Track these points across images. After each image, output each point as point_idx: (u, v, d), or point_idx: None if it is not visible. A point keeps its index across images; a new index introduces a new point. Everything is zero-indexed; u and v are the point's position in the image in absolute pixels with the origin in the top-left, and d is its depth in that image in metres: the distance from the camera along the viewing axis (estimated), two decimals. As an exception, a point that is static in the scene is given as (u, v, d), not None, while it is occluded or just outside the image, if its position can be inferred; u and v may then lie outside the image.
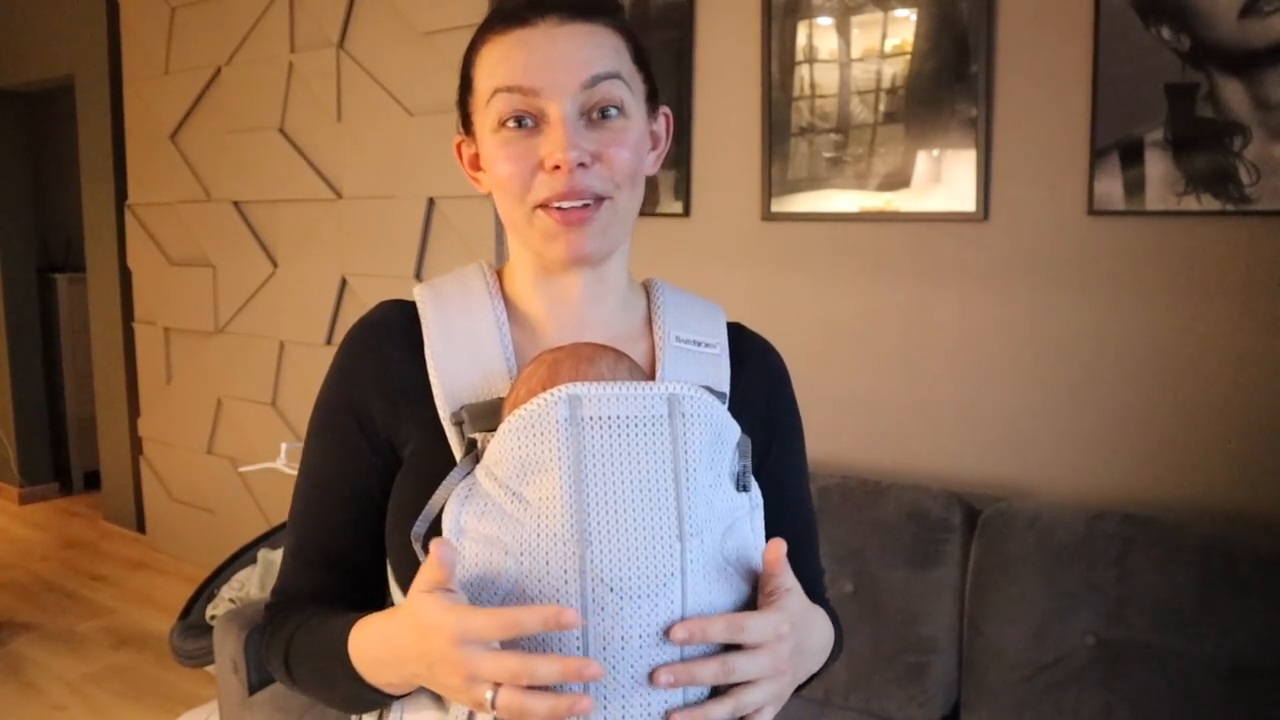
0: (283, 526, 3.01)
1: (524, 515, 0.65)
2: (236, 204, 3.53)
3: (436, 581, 0.62)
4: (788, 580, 0.68)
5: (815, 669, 0.80)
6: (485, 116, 0.75)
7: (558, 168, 0.72)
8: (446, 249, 2.92)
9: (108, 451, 4.33)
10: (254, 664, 2.03)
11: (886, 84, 2.10)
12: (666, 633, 0.62)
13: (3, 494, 4.78)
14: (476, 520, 0.66)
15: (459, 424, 0.73)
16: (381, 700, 0.72)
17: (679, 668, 0.62)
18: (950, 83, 2.02)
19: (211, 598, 2.75)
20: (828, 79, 2.17)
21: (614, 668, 0.62)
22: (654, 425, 0.66)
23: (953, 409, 2.09)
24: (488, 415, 0.72)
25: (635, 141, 0.76)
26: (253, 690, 2.03)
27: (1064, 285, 1.95)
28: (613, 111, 0.74)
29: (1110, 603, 1.69)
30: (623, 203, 0.76)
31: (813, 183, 2.22)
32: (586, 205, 0.74)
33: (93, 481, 4.74)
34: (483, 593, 0.65)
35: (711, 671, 0.62)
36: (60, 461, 4.85)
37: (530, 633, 0.59)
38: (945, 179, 2.05)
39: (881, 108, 2.11)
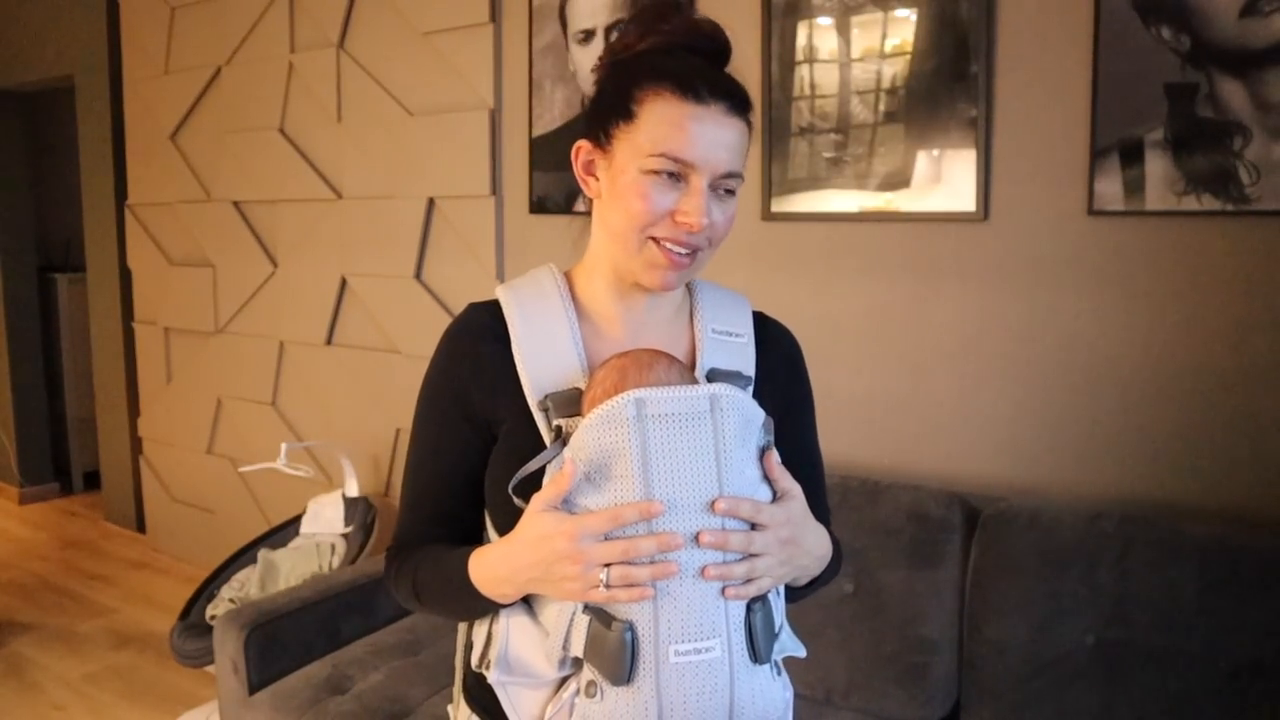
0: (282, 527, 3.01)
1: (604, 487, 0.84)
2: (236, 204, 3.53)
3: (557, 496, 0.84)
4: (791, 486, 0.89)
5: (815, 571, 0.98)
6: (638, 157, 0.91)
7: (689, 225, 0.91)
8: (446, 249, 2.92)
9: (108, 451, 4.33)
10: (254, 664, 2.04)
11: (886, 84, 2.10)
12: (711, 506, 0.83)
13: (3, 494, 4.78)
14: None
15: (544, 410, 0.91)
16: (493, 609, 0.92)
17: (717, 534, 0.83)
18: (950, 83, 2.02)
19: (211, 598, 2.75)
20: (828, 79, 2.17)
21: (675, 598, 0.83)
22: (699, 419, 0.85)
23: (953, 409, 2.09)
24: (568, 403, 0.90)
25: (733, 215, 0.96)
26: (253, 690, 2.03)
27: (1064, 285, 1.95)
28: (730, 193, 0.94)
29: (1110, 603, 1.69)
30: (707, 256, 0.96)
31: (813, 183, 2.22)
32: (689, 254, 0.93)
33: (93, 481, 4.74)
34: None
35: (738, 539, 0.84)
36: (60, 461, 4.85)
37: (629, 522, 0.81)
38: (945, 179, 2.05)
39: (881, 108, 2.11)
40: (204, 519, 3.81)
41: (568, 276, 1.02)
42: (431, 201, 2.93)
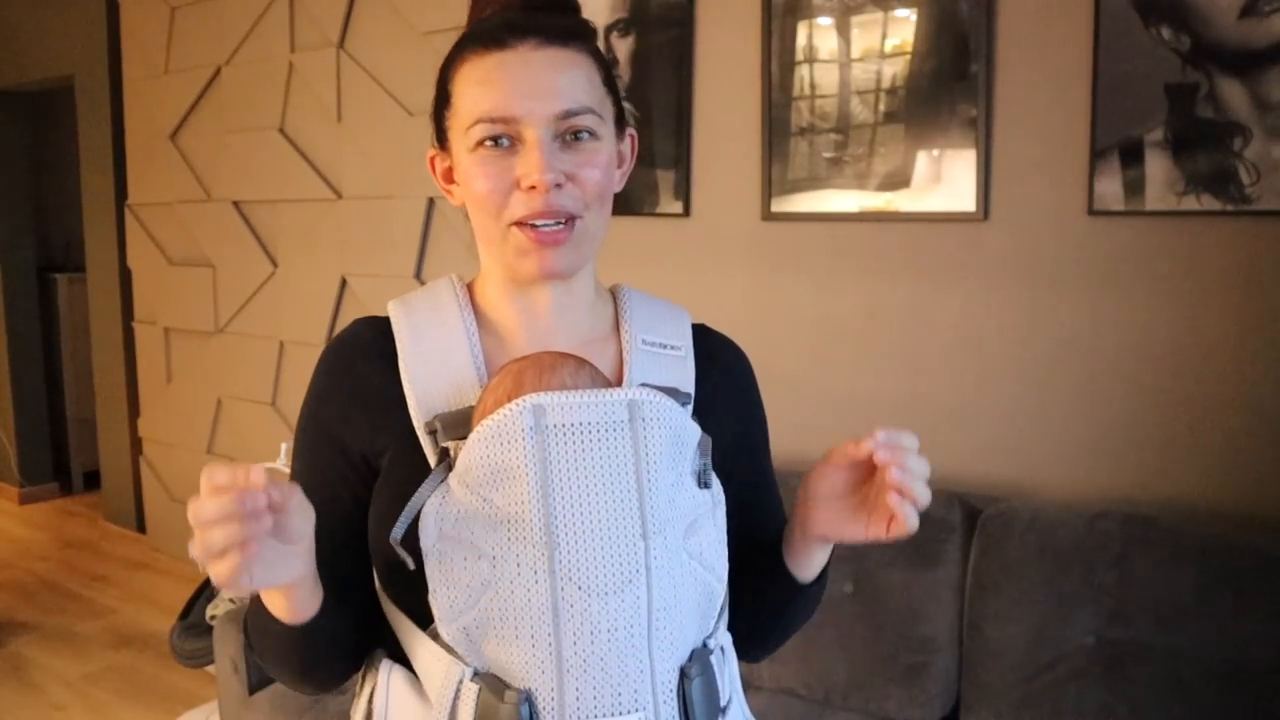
0: (283, 526, 3.01)
1: (495, 519, 0.69)
2: (236, 204, 3.53)
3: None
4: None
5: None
6: (464, 137, 0.78)
7: (534, 188, 0.75)
8: (446, 249, 2.92)
9: (108, 451, 4.33)
10: (254, 664, 2.04)
11: (886, 84, 2.10)
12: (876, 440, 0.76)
13: (3, 494, 4.78)
14: (451, 525, 0.70)
15: (433, 433, 0.76)
16: (298, 639, 0.74)
17: (898, 450, 0.76)
18: (950, 83, 2.02)
19: (211, 598, 2.75)
20: (828, 79, 2.17)
21: (585, 660, 0.67)
22: (615, 430, 0.70)
23: (953, 409, 2.09)
24: (460, 424, 0.74)
25: (605, 162, 0.79)
26: (253, 690, 2.03)
27: (1064, 285, 1.95)
28: (585, 135, 0.78)
29: (1110, 603, 1.69)
30: (592, 221, 0.79)
31: (813, 183, 2.22)
32: (560, 225, 0.77)
33: (93, 481, 4.74)
34: (460, 596, 0.69)
35: (918, 461, 0.77)
36: (60, 461, 4.85)
37: (227, 485, 0.60)
38: (945, 179, 2.05)
39: (881, 108, 2.11)
40: (204, 519, 3.80)
41: (470, 287, 0.88)
42: (431, 201, 2.93)
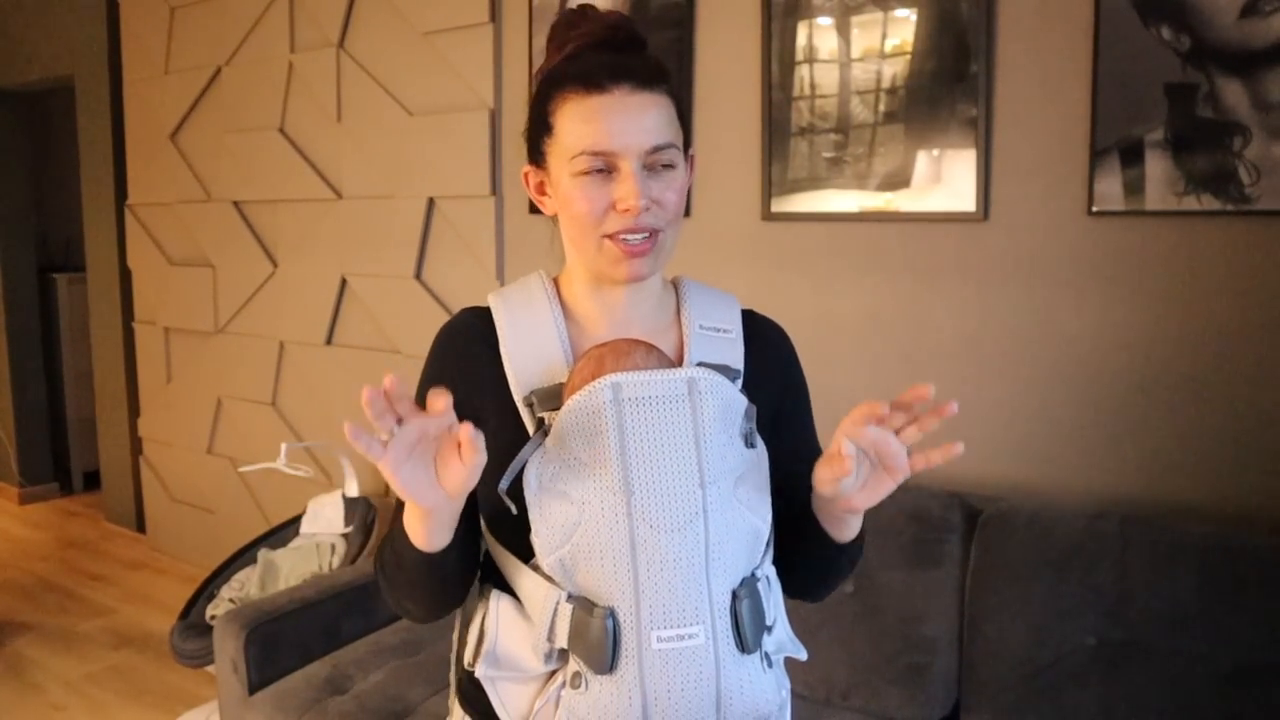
0: (282, 527, 3.02)
1: (583, 473, 0.84)
2: (236, 204, 3.53)
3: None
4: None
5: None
6: (566, 164, 0.93)
7: (628, 210, 0.91)
8: (446, 249, 2.92)
9: (108, 451, 4.33)
10: (254, 664, 2.04)
11: (886, 84, 2.10)
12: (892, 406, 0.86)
13: (3, 494, 4.78)
14: (550, 478, 0.86)
15: (530, 405, 0.92)
16: (438, 566, 0.89)
17: (900, 414, 0.85)
18: (950, 83, 2.02)
19: (211, 598, 2.75)
20: (828, 79, 2.17)
21: (656, 583, 0.82)
22: (677, 401, 0.86)
23: (953, 409, 2.09)
24: (552, 397, 0.90)
25: (681, 187, 0.95)
26: (253, 690, 2.03)
27: (1064, 285, 1.95)
28: (667, 165, 0.93)
29: (1110, 603, 1.69)
30: (669, 235, 0.95)
31: (813, 183, 2.22)
32: (646, 238, 0.93)
33: (93, 481, 4.74)
34: (556, 534, 0.85)
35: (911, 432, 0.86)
36: (60, 461, 4.85)
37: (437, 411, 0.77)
38: (945, 179, 2.05)
39: (881, 108, 2.11)
40: (204, 519, 3.81)
41: (556, 281, 1.04)
42: (431, 201, 2.93)
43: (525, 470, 0.87)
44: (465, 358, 0.99)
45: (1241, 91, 1.73)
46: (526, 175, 1.01)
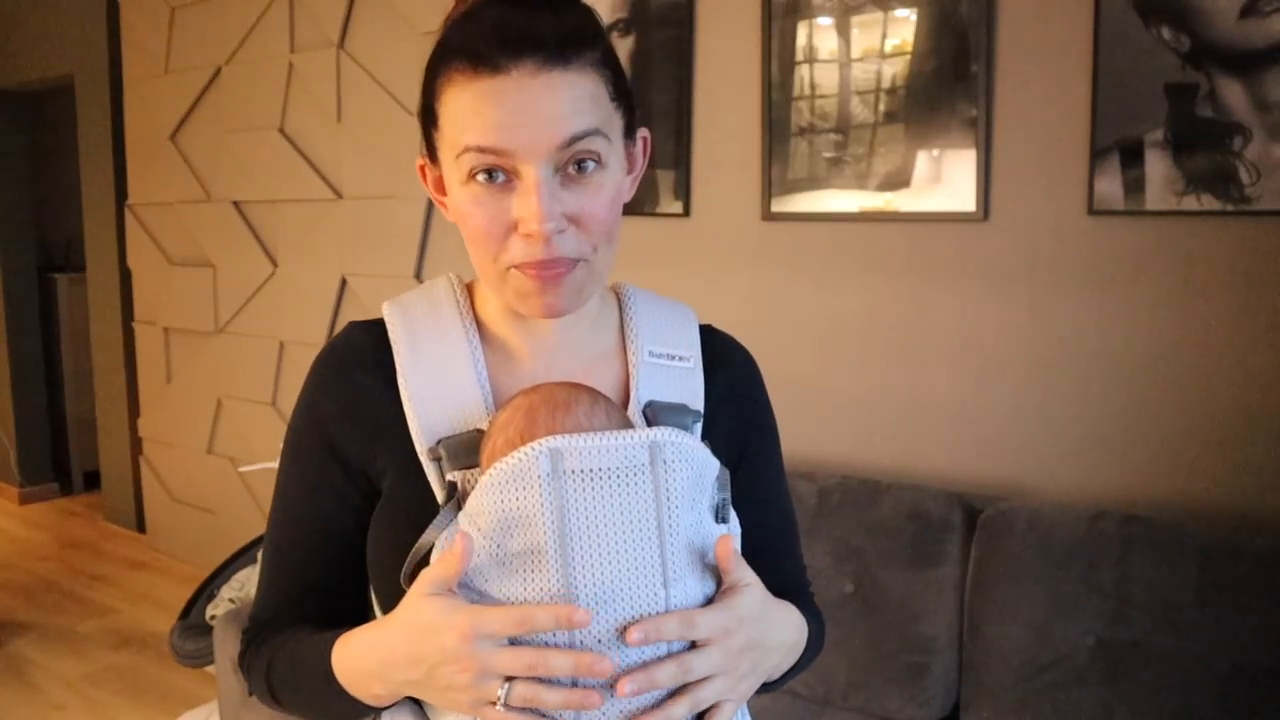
0: (283, 526, 3.01)
1: (509, 568, 0.65)
2: (236, 204, 3.53)
3: (448, 579, 0.63)
4: (743, 575, 0.68)
5: (786, 665, 0.78)
6: (454, 165, 0.71)
7: (530, 235, 0.69)
8: (446, 249, 2.92)
9: (108, 451, 4.33)
10: (254, 664, 2.03)
11: (886, 84, 2.10)
12: (622, 633, 0.63)
13: (3, 494, 4.78)
14: (464, 572, 0.66)
15: (436, 460, 0.72)
16: (365, 712, 0.73)
17: (639, 674, 0.62)
18: (950, 83, 2.02)
19: (211, 598, 2.75)
20: (828, 79, 2.17)
21: (609, 705, 0.64)
22: (636, 474, 0.65)
23: (953, 409, 2.09)
24: (465, 451, 0.71)
25: (612, 195, 0.72)
26: (252, 690, 2.03)
27: (1064, 285, 1.95)
28: (590, 165, 0.70)
29: (1110, 603, 1.69)
30: (599, 261, 0.73)
31: (813, 183, 2.22)
32: (564, 267, 0.71)
33: (93, 481, 4.74)
34: None
35: (668, 672, 0.63)
36: (60, 461, 4.85)
37: (542, 629, 0.61)
38: (945, 179, 2.05)
39: (881, 108, 2.11)
40: (204, 519, 3.81)
41: (470, 290, 0.82)
42: (431, 201, 2.92)
43: (432, 556, 0.68)
44: (351, 390, 0.77)
45: (1241, 91, 1.73)
46: (422, 169, 0.80)
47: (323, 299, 3.25)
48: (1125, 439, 1.90)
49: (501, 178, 0.69)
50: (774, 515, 0.87)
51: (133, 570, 3.83)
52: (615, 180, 0.72)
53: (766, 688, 0.80)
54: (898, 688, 1.84)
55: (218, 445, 3.74)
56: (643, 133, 0.79)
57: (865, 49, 2.12)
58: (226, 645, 2.05)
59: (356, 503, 0.77)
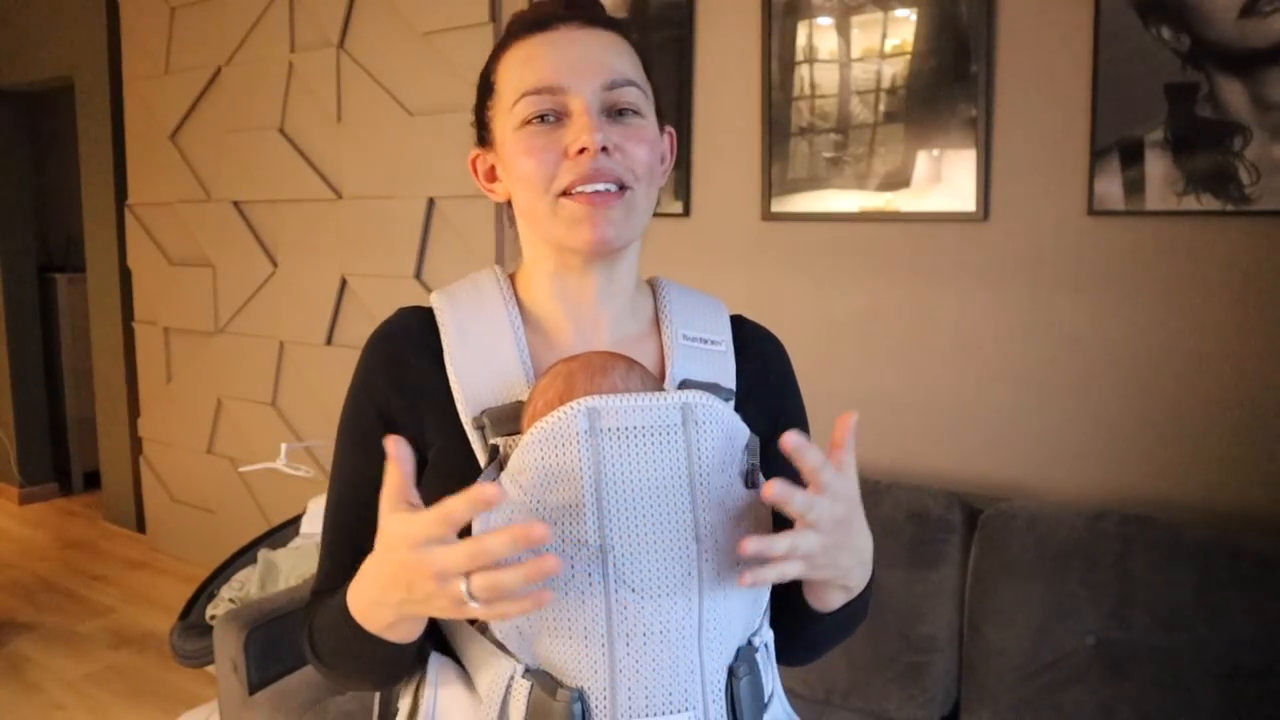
0: (282, 527, 3.01)
1: (548, 521, 0.67)
2: (236, 204, 3.53)
3: (395, 488, 0.65)
4: (849, 461, 0.71)
5: (856, 582, 0.78)
6: (509, 119, 0.78)
7: (583, 151, 0.75)
8: (446, 249, 2.92)
9: (108, 451, 4.33)
10: (254, 664, 2.03)
11: (886, 84, 2.10)
12: (740, 548, 0.64)
13: (3, 494, 4.78)
14: (504, 524, 0.67)
15: (480, 428, 0.76)
16: (394, 654, 0.74)
17: (759, 540, 0.64)
18: (950, 83, 2.02)
19: (211, 598, 2.75)
20: (828, 79, 2.17)
21: (637, 660, 0.67)
22: (669, 433, 0.69)
23: (953, 409, 2.09)
24: (507, 419, 0.75)
25: (652, 140, 0.79)
26: (253, 690, 2.03)
27: (1064, 285, 1.95)
28: (630, 112, 0.78)
29: (1110, 603, 1.69)
30: (641, 195, 0.79)
31: (813, 183, 2.22)
32: (610, 190, 0.76)
33: (93, 481, 4.74)
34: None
35: (785, 544, 0.65)
36: (60, 461, 4.85)
37: (501, 555, 0.61)
38: (945, 179, 2.05)
39: (881, 108, 2.11)
40: (204, 519, 3.81)
41: (512, 279, 0.88)
42: (431, 201, 2.93)
43: (477, 518, 0.70)
44: (402, 366, 0.82)
45: (1241, 91, 1.73)
46: (474, 162, 0.86)
47: (323, 299, 3.25)
48: (1125, 439, 1.90)
49: (552, 119, 0.76)
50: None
51: (133, 570, 3.83)
52: (654, 132, 0.80)
53: (816, 643, 0.86)
54: (898, 688, 1.84)
55: (218, 445, 3.74)
56: (669, 129, 0.86)
57: (865, 49, 2.12)
58: (226, 645, 2.05)
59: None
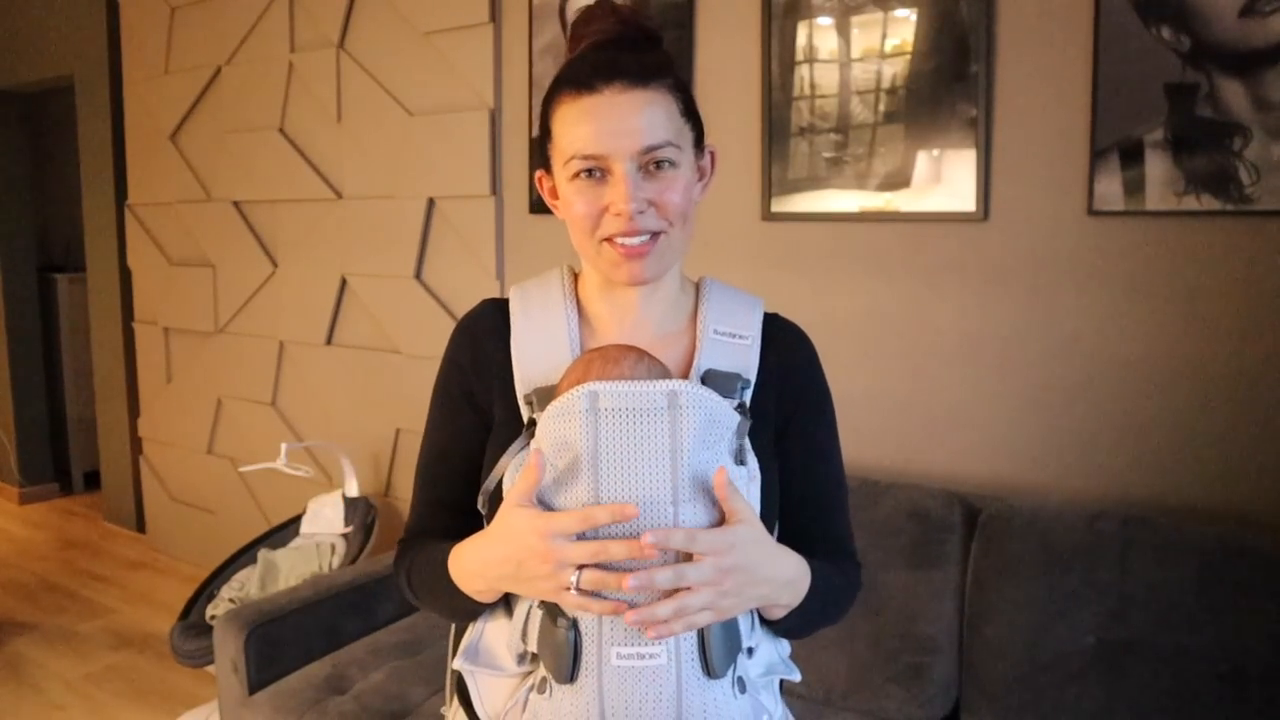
0: (282, 527, 3.01)
1: (558, 480, 0.84)
2: (236, 204, 3.53)
3: (529, 490, 0.82)
4: (740, 508, 0.83)
5: (783, 600, 0.90)
6: (563, 168, 0.93)
7: (619, 214, 0.90)
8: (446, 249, 2.92)
9: (108, 451, 4.33)
10: (254, 664, 2.04)
11: (886, 84, 2.10)
12: (640, 541, 0.79)
13: (3, 494, 4.78)
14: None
15: (529, 403, 0.93)
16: (474, 607, 0.93)
17: (642, 574, 0.78)
18: (950, 83, 2.02)
19: (211, 598, 2.75)
20: (828, 79, 2.17)
21: (619, 598, 0.80)
22: (655, 415, 0.83)
23: (953, 409, 2.09)
24: (546, 398, 0.90)
25: (684, 186, 0.94)
26: (253, 690, 2.03)
27: (1064, 285, 1.95)
28: (665, 165, 0.92)
29: (1110, 603, 1.69)
30: (675, 235, 0.95)
31: (813, 183, 2.22)
32: (645, 240, 0.92)
33: (93, 481, 4.74)
34: None
35: (665, 576, 0.78)
36: (60, 461, 4.85)
37: (601, 523, 0.79)
38: (945, 179, 2.05)
39: (881, 108, 2.11)
40: (204, 519, 3.81)
41: (576, 277, 1.04)
42: (431, 201, 2.93)
43: (506, 473, 0.90)
44: (479, 348, 1.01)
45: (1241, 91, 1.73)
46: (540, 180, 1.01)
47: (322, 299, 3.25)
48: (1125, 439, 1.90)
49: (598, 174, 0.91)
50: (815, 483, 1.02)
51: (133, 570, 3.83)
52: (687, 177, 0.95)
53: (789, 634, 0.97)
54: (898, 688, 1.84)
55: (218, 445, 3.74)
56: (711, 147, 1.01)
57: (865, 49, 2.12)
58: (227, 645, 2.05)
59: (483, 436, 1.00)
